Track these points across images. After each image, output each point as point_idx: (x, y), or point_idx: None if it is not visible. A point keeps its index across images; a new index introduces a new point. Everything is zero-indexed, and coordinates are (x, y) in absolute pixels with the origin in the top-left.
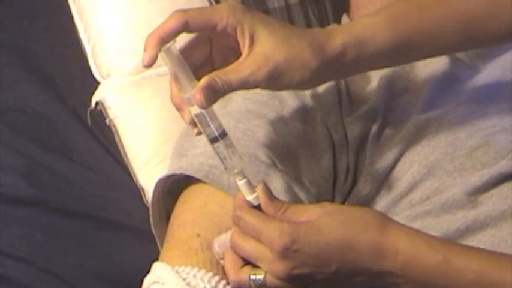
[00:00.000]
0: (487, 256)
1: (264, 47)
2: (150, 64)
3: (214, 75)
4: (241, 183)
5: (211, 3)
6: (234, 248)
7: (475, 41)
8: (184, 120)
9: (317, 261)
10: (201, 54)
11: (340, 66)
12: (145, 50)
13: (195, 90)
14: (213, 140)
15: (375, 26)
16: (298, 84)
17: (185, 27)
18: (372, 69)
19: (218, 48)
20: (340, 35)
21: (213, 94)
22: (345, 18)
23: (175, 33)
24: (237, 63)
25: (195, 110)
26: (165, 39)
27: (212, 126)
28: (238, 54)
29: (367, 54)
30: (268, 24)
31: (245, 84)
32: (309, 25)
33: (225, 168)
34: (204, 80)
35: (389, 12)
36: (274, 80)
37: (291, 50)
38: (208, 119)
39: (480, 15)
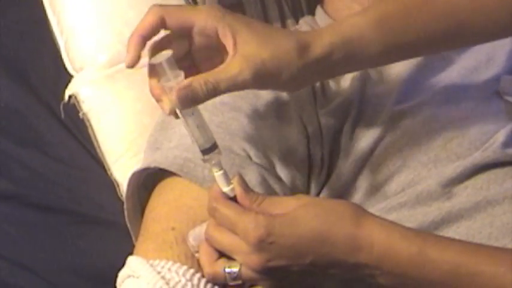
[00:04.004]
0: (462, 247)
1: (248, 46)
2: (132, 64)
3: (200, 76)
4: (218, 174)
5: (187, 1)
6: (209, 240)
7: (462, 39)
8: (163, 110)
9: (292, 253)
10: (179, 50)
11: (327, 66)
12: (127, 51)
13: (178, 87)
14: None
15: (362, 25)
16: (286, 83)
17: (162, 23)
18: (359, 69)
19: (198, 47)
20: (327, 35)
21: (193, 95)
22: (319, 10)
23: (154, 29)
24: (224, 64)
25: None
26: (145, 37)
27: (195, 115)
28: (221, 55)
29: (355, 54)
30: (250, 25)
31: (233, 85)
32: (283, 16)
33: (203, 159)
34: (188, 80)
35: (376, 11)
36: (261, 79)
37: (276, 48)
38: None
39: (464, 13)
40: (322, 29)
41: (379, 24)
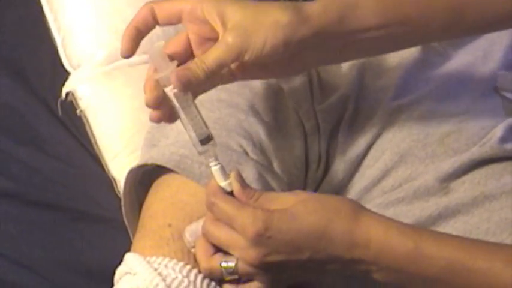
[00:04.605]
0: (459, 243)
1: (234, 20)
2: (126, 54)
3: (196, 58)
4: (215, 169)
5: None
6: (206, 235)
7: (464, 27)
8: (146, 101)
9: (289, 248)
10: (178, 46)
11: (320, 31)
12: (121, 42)
13: (172, 72)
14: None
15: None
16: (273, 49)
17: (153, 15)
18: (356, 49)
19: (194, 38)
20: (319, 1)
21: (188, 79)
22: None
23: (145, 20)
24: (214, 45)
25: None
26: (139, 28)
27: (191, 105)
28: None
29: (350, 21)
30: (236, 2)
31: (221, 61)
32: None
33: (199, 151)
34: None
35: None
36: (247, 46)
37: (261, 12)
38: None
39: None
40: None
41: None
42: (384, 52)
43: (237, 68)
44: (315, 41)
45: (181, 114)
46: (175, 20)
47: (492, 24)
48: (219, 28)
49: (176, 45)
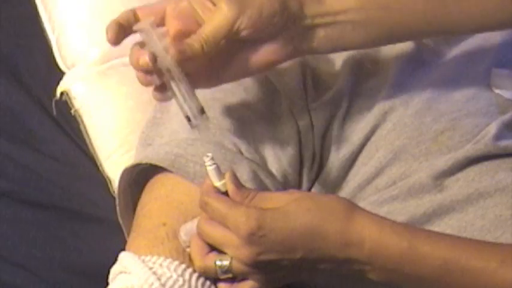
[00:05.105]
0: (453, 242)
1: None
2: (113, 41)
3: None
4: (210, 169)
5: None
6: (200, 234)
7: (448, 22)
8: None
9: (283, 247)
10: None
11: (306, 4)
12: (109, 39)
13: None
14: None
15: None
16: (269, 17)
17: (134, 14)
18: (339, 33)
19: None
20: None
21: (183, 49)
22: None
23: (128, 17)
24: (209, 17)
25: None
26: (121, 24)
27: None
28: None
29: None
30: None
31: (217, 31)
32: None
33: (190, 124)
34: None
35: None
36: (243, 14)
37: None
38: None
39: None
40: None
41: None
42: (369, 45)
43: (232, 46)
44: (301, 15)
45: (174, 87)
46: (157, 21)
47: (480, 24)
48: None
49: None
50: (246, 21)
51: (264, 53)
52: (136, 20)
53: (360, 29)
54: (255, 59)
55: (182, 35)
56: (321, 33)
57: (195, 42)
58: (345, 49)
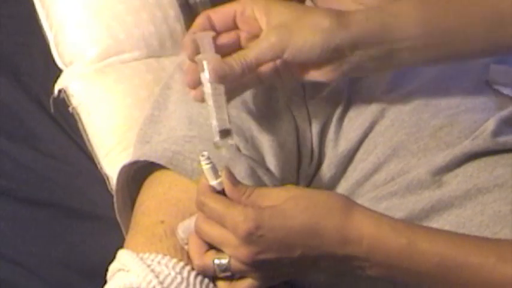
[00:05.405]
0: (451, 239)
1: (278, 20)
2: (192, 57)
3: (233, 54)
4: (206, 168)
5: None
6: (198, 233)
7: (504, 41)
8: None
9: (281, 246)
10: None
11: (359, 39)
12: (183, 49)
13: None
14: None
15: (401, 5)
16: (311, 50)
17: (209, 20)
18: (395, 58)
19: (245, 39)
20: (362, 10)
21: (223, 71)
22: (307, 3)
23: (203, 27)
24: (255, 41)
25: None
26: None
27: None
28: None
29: (393, 28)
30: (285, 4)
31: (261, 57)
32: None
33: (215, 142)
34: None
35: (417, 0)
36: (287, 45)
37: (304, 14)
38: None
39: (506, 3)
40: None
41: (419, 1)
42: (421, 65)
43: (281, 66)
44: (353, 48)
45: (209, 100)
46: (229, 23)
47: None
48: (263, 25)
49: (225, 38)
50: (289, 51)
51: (311, 74)
52: (211, 26)
53: (418, 54)
54: (299, 77)
55: (249, 38)
56: (375, 63)
57: (236, 63)
58: (396, 69)
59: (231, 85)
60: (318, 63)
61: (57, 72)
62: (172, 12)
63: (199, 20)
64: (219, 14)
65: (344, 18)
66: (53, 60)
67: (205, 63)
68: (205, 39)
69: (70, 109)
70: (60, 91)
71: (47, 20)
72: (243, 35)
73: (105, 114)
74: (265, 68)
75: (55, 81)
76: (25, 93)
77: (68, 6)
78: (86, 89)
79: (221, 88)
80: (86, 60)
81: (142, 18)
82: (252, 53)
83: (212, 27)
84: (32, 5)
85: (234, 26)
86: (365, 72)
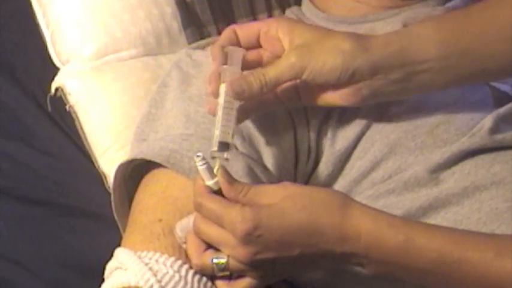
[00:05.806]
0: (449, 235)
1: (300, 41)
2: (221, 64)
3: (252, 71)
4: (201, 168)
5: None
6: (196, 232)
7: None
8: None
9: (280, 245)
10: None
11: (379, 63)
12: (213, 59)
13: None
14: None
15: (419, 28)
16: (331, 72)
17: (236, 35)
18: (415, 81)
19: (269, 56)
20: (382, 34)
21: (242, 89)
22: (305, 0)
23: (230, 40)
24: (276, 61)
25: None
26: (223, 46)
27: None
28: None
29: (412, 51)
30: (308, 26)
31: (280, 77)
32: (269, 7)
33: (212, 152)
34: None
35: (435, 22)
36: (307, 66)
37: (326, 37)
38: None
39: None
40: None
41: (437, 22)
42: (441, 88)
43: (301, 88)
44: (373, 72)
45: (219, 111)
46: (253, 41)
47: None
48: (286, 46)
49: (248, 56)
50: (309, 72)
51: (331, 97)
52: (237, 40)
53: (437, 76)
54: (319, 100)
55: (272, 58)
56: (394, 87)
57: (255, 82)
58: (415, 94)
59: (250, 103)
60: (338, 86)
61: (54, 70)
62: (169, 9)
63: (227, 34)
64: (245, 31)
65: (365, 41)
66: (50, 59)
67: (225, 75)
68: (236, 53)
69: (67, 107)
70: (57, 89)
71: (44, 18)
72: (266, 54)
73: (102, 113)
74: (285, 88)
75: (52, 80)
76: (22, 91)
77: (64, 5)
78: (83, 87)
79: (235, 103)
80: (82, 58)
81: (139, 16)
82: (271, 71)
83: (237, 42)
84: (29, 3)
85: (258, 45)
86: (385, 97)
